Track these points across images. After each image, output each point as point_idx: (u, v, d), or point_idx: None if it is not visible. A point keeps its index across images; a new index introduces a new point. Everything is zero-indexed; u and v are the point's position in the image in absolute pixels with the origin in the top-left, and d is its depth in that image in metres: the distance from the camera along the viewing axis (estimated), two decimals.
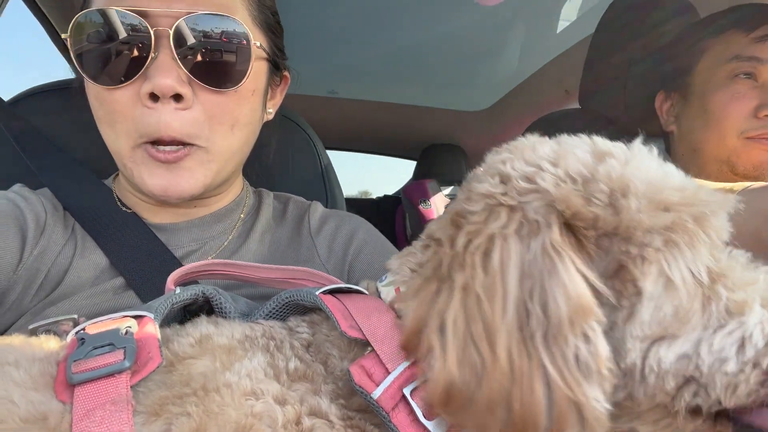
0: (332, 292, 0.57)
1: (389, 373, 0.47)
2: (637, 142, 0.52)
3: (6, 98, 1.06)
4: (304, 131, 1.21)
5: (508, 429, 0.41)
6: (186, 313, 0.62)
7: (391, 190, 3.52)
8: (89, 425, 0.41)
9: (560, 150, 0.50)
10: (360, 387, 0.46)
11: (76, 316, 0.60)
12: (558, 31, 2.14)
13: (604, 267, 0.46)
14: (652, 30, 1.26)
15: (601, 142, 0.52)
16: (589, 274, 0.44)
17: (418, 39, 2.27)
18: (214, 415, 0.45)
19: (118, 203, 0.86)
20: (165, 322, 0.57)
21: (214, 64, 0.77)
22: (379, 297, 0.56)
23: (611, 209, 0.46)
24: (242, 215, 0.93)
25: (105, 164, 0.86)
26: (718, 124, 1.08)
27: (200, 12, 0.74)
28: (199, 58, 0.75)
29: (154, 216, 0.87)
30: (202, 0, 0.75)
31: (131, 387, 0.45)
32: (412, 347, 0.46)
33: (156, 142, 0.75)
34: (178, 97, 0.74)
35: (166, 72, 0.72)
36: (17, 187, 0.87)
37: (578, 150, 0.50)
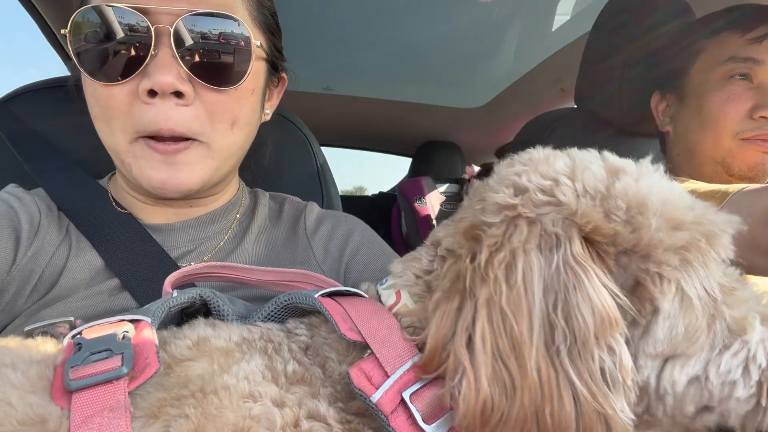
0: (331, 294, 0.57)
1: (388, 376, 0.47)
2: (647, 160, 0.52)
3: None
4: (300, 130, 1.20)
5: None
6: (183, 316, 0.62)
7: (386, 186, 3.52)
8: None
9: (576, 164, 0.51)
10: (359, 390, 0.46)
11: (72, 319, 0.59)
12: (554, 29, 2.15)
13: (622, 284, 0.47)
14: (648, 31, 1.26)
15: (612, 157, 0.53)
16: (613, 286, 0.45)
17: (414, 35, 2.27)
18: (212, 417, 0.45)
19: (114, 204, 0.86)
20: (162, 325, 0.57)
21: (214, 63, 0.76)
22: (379, 300, 0.56)
23: (629, 226, 0.47)
24: (238, 216, 0.93)
25: (100, 164, 0.86)
26: (713, 125, 1.08)
27: (201, 10, 0.74)
28: (199, 56, 0.75)
29: (149, 216, 0.87)
30: None
31: (128, 392, 0.45)
32: (435, 364, 0.46)
33: (155, 138, 0.75)
34: (179, 95, 0.74)
35: (166, 69, 0.72)
36: (11, 187, 0.87)
37: (593, 165, 0.51)
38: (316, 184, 1.19)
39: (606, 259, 0.47)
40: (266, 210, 0.97)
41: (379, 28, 2.23)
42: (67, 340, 0.52)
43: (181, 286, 0.65)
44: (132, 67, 0.73)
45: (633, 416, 0.43)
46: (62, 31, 0.76)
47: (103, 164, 0.85)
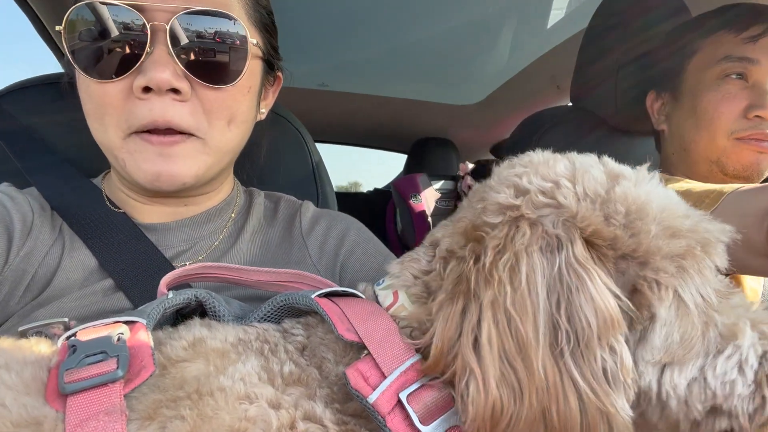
0: (328, 295, 0.57)
1: (385, 377, 0.47)
2: (643, 167, 0.53)
3: None
4: (295, 128, 1.20)
5: None
6: (179, 316, 0.61)
7: (381, 181, 3.52)
8: None
9: (576, 168, 0.52)
10: (356, 391, 0.46)
11: (66, 320, 0.59)
12: (549, 27, 2.15)
13: (620, 288, 0.47)
14: (643, 30, 1.26)
15: (612, 162, 0.54)
16: (614, 288, 0.46)
17: (410, 32, 2.27)
18: (208, 419, 0.45)
19: (108, 203, 0.85)
20: (158, 325, 0.57)
21: (210, 61, 0.76)
22: (376, 300, 0.56)
23: (628, 231, 0.48)
24: (233, 215, 0.92)
25: (94, 162, 0.85)
26: (708, 124, 1.08)
27: (197, 7, 0.74)
28: (195, 54, 0.75)
29: (144, 216, 0.86)
30: None
31: (124, 395, 0.45)
32: (442, 367, 0.47)
33: (151, 132, 0.74)
34: (176, 92, 0.74)
35: (163, 67, 0.72)
36: (4, 186, 0.86)
37: (593, 169, 0.51)
38: (312, 182, 1.19)
39: (606, 263, 0.47)
40: (261, 209, 0.96)
41: (374, 25, 2.23)
42: (61, 341, 0.52)
43: (176, 286, 0.64)
44: (127, 64, 0.73)
45: (632, 414, 0.44)
46: (57, 28, 0.75)
47: (97, 162, 0.84)
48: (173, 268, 0.80)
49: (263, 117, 0.95)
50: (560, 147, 1.36)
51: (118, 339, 0.49)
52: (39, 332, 0.58)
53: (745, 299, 0.51)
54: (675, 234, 0.48)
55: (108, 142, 0.77)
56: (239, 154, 0.92)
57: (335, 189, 1.26)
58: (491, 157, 3.17)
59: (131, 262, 0.79)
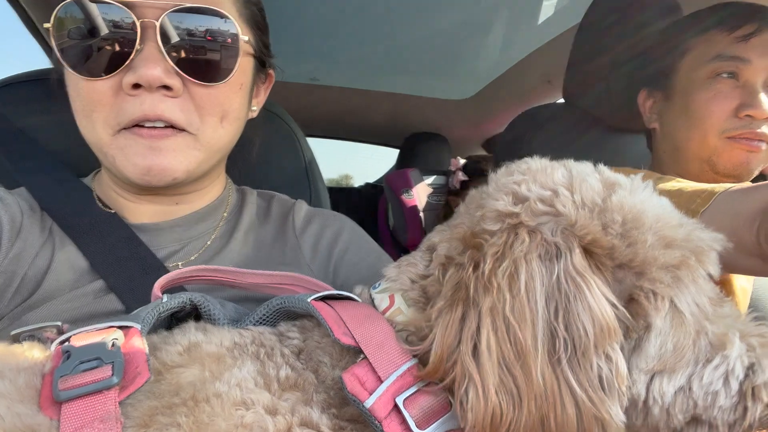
0: (324, 298, 0.57)
1: (381, 381, 0.47)
2: (638, 176, 0.53)
3: None
4: (288, 125, 1.19)
5: None
6: (173, 319, 0.61)
7: (372, 175, 3.51)
8: None
9: (573, 176, 0.52)
10: (353, 395, 0.46)
11: (59, 323, 0.58)
12: (540, 22, 2.15)
13: (617, 297, 0.48)
14: (636, 29, 1.26)
15: (607, 171, 0.54)
16: (611, 297, 0.46)
17: (401, 26, 2.26)
18: (204, 426, 0.45)
19: (98, 203, 0.84)
20: (152, 328, 0.56)
21: (201, 58, 0.75)
22: (372, 304, 0.56)
23: (625, 240, 0.48)
24: (225, 214, 0.92)
25: (85, 160, 0.84)
26: (700, 123, 1.09)
27: (188, 4, 0.73)
28: (186, 51, 0.74)
29: (135, 216, 0.85)
30: None
31: (119, 401, 0.45)
32: (441, 373, 0.47)
33: (141, 126, 0.74)
34: (167, 88, 0.73)
35: (153, 64, 0.71)
36: None
37: (590, 178, 0.52)
38: (304, 180, 1.18)
39: (603, 271, 0.48)
40: (254, 208, 0.96)
41: (366, 19, 2.22)
42: (54, 346, 0.52)
43: (170, 289, 0.64)
44: (117, 61, 0.72)
45: (625, 419, 0.45)
46: (45, 25, 0.74)
47: (88, 161, 0.83)
48: (166, 269, 0.80)
49: (254, 115, 0.94)
50: (553, 144, 1.37)
51: (113, 345, 0.49)
52: (31, 336, 0.57)
53: (734, 309, 0.53)
54: (670, 244, 0.48)
55: (96, 139, 0.76)
56: (232, 152, 0.92)
57: (326, 182, 1.26)
58: (483, 152, 3.17)
59: (123, 264, 0.78)
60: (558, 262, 0.45)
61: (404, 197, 2.67)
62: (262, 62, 0.90)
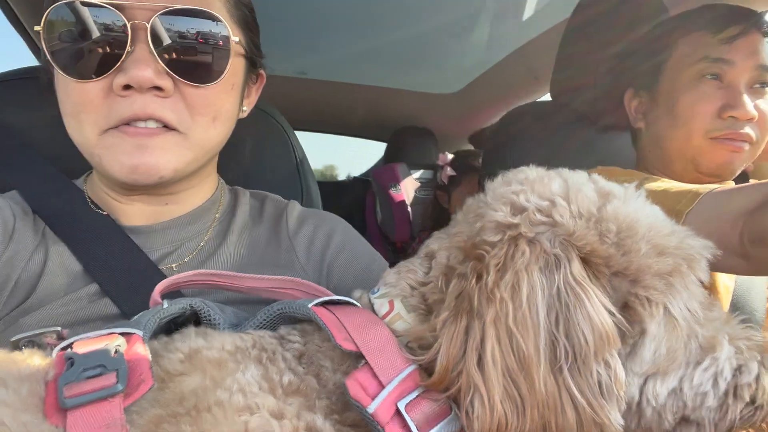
0: (324, 303, 0.58)
1: (383, 386, 0.48)
2: (632, 186, 0.55)
3: None
4: (280, 124, 1.19)
5: None
6: (172, 323, 0.61)
7: (355, 166, 3.51)
8: None
9: (569, 186, 0.53)
10: (356, 401, 0.47)
11: (59, 329, 0.59)
12: (524, 19, 2.17)
13: (613, 304, 0.49)
14: (622, 30, 1.28)
15: (601, 180, 0.55)
16: (610, 305, 0.48)
17: (389, 20, 2.26)
18: None
19: (91, 205, 0.84)
20: (152, 333, 0.57)
21: (192, 59, 0.76)
22: (372, 309, 0.57)
23: (620, 249, 0.50)
24: (217, 215, 0.92)
25: (78, 162, 0.83)
26: (684, 124, 1.11)
27: (178, 6, 0.73)
28: (177, 52, 0.74)
29: (127, 218, 0.85)
30: None
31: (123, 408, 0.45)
32: (446, 383, 0.48)
33: (130, 124, 0.74)
34: (158, 89, 0.73)
35: (144, 65, 0.71)
36: None
37: (585, 188, 0.53)
38: (296, 178, 1.19)
39: (601, 280, 0.49)
40: (247, 208, 0.96)
41: (353, 13, 2.21)
42: (56, 352, 0.52)
43: (167, 293, 0.64)
44: (108, 63, 0.72)
45: (623, 423, 0.47)
46: (36, 28, 0.74)
47: (81, 162, 0.82)
48: (159, 271, 0.80)
49: (244, 115, 0.94)
50: (541, 142, 1.39)
51: (116, 352, 0.49)
52: (31, 342, 0.57)
53: (722, 312, 0.54)
54: (662, 252, 0.50)
55: (84, 139, 0.76)
56: (225, 153, 0.92)
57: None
58: (469, 146, 3.19)
59: (117, 267, 0.78)
60: (558, 273, 0.47)
61: (392, 192, 2.68)
62: (253, 62, 0.90)
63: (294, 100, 2.72)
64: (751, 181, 1.26)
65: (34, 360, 0.52)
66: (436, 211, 2.69)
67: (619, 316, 0.48)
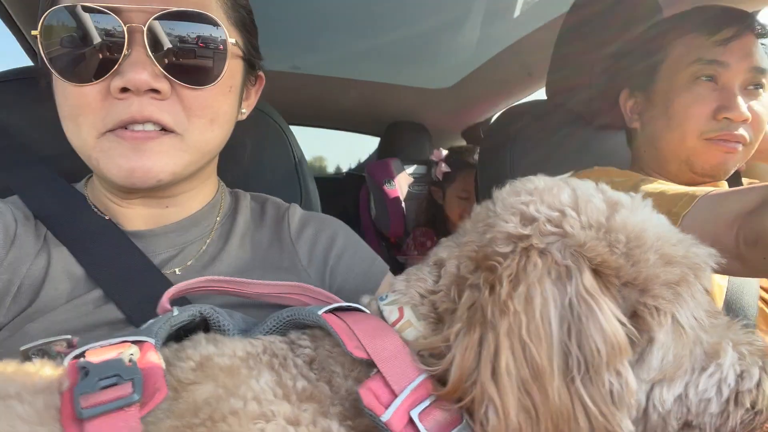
0: (333, 309, 0.58)
1: (395, 395, 0.49)
2: (638, 195, 0.55)
3: None
4: (278, 124, 1.19)
5: None
6: (181, 330, 0.62)
7: (346, 160, 3.51)
8: None
9: (578, 196, 0.54)
10: (369, 410, 0.48)
11: (69, 337, 0.58)
12: (516, 15, 2.17)
13: (622, 313, 0.50)
14: (617, 30, 1.29)
15: (609, 190, 0.56)
16: (621, 316, 0.49)
17: (383, 15, 2.25)
18: None
19: (93, 209, 0.84)
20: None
21: (189, 61, 0.76)
22: (381, 315, 0.58)
23: (629, 259, 0.51)
24: (218, 218, 0.92)
25: (79, 163, 0.82)
26: (679, 125, 1.12)
27: (174, 8, 0.73)
28: (174, 54, 0.74)
29: (128, 222, 0.85)
30: None
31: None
32: (459, 394, 0.49)
33: (127, 127, 0.74)
34: (155, 91, 0.73)
35: (141, 68, 0.71)
36: None
37: (594, 198, 0.54)
38: (294, 179, 1.19)
39: (611, 290, 0.50)
40: (248, 211, 0.96)
41: (347, 7, 2.20)
42: (68, 361, 0.52)
43: (177, 299, 0.65)
44: (105, 66, 0.72)
45: (633, 429, 0.48)
46: (32, 33, 0.73)
47: (81, 162, 0.82)
48: (163, 276, 0.80)
49: (243, 117, 0.94)
50: (539, 141, 1.40)
51: (130, 361, 0.50)
52: (41, 351, 0.57)
53: (725, 318, 0.56)
54: (670, 261, 0.51)
55: (81, 142, 0.76)
56: (224, 155, 0.92)
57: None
58: (462, 142, 3.20)
59: (119, 271, 0.78)
60: (570, 284, 0.48)
61: (386, 187, 2.69)
62: (251, 64, 0.90)
63: (287, 94, 2.71)
64: (744, 181, 1.28)
65: (46, 371, 0.52)
66: (431, 206, 2.70)
67: (629, 325, 0.49)
